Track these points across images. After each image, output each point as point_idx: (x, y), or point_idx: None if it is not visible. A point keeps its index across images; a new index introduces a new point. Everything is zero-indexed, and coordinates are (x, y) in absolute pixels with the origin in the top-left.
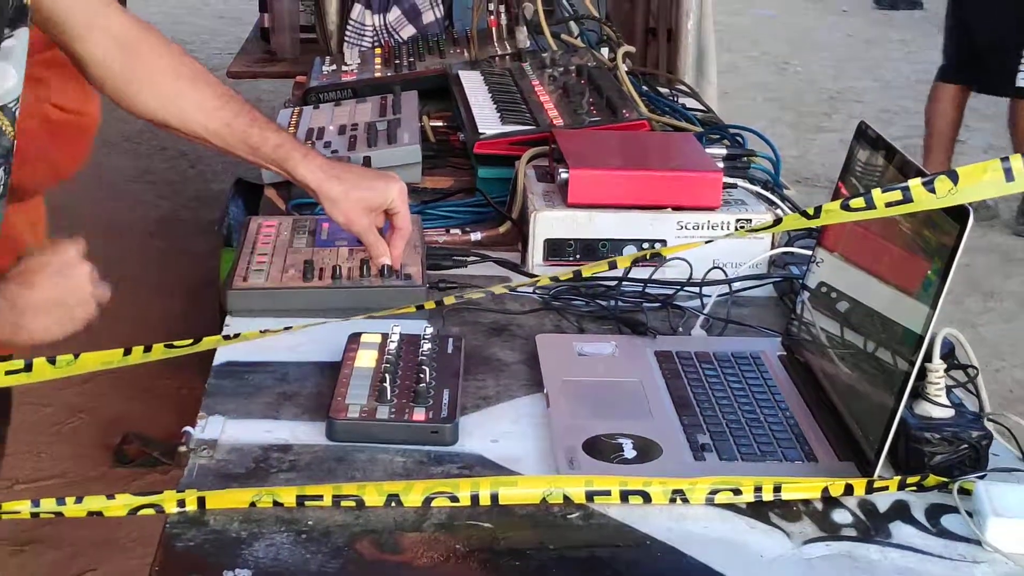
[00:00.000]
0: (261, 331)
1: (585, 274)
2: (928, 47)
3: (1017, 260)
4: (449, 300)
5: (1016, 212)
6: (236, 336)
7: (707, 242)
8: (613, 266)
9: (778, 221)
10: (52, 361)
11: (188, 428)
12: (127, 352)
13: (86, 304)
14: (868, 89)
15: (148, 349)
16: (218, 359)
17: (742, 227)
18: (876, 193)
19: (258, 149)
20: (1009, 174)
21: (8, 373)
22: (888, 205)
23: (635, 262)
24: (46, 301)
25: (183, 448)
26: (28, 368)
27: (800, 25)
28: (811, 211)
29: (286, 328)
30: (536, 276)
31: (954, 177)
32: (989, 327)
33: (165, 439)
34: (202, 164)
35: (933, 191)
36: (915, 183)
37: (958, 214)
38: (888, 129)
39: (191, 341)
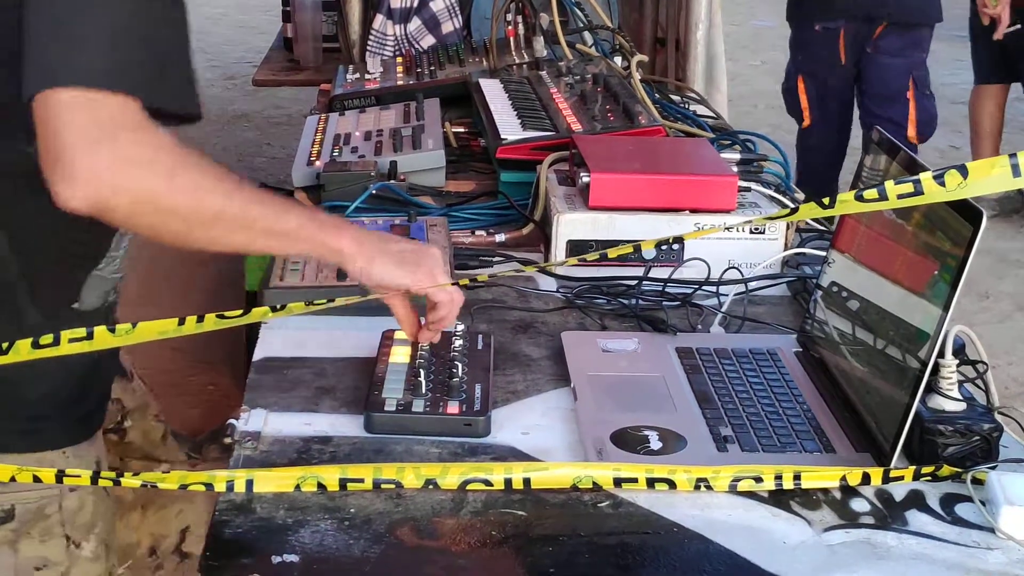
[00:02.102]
0: (306, 303)
1: (611, 255)
2: None
3: (1011, 262)
4: (483, 277)
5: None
6: (283, 307)
7: (727, 228)
8: (638, 249)
9: (795, 210)
10: (112, 330)
11: (232, 420)
12: (181, 322)
13: (429, 267)
14: None
15: (201, 319)
16: (257, 354)
17: (757, 227)
18: (889, 185)
19: None
20: (1016, 169)
21: (71, 341)
22: (900, 197)
23: (656, 257)
24: (389, 245)
25: (228, 440)
26: (90, 337)
27: None
28: (826, 201)
29: (330, 301)
30: (564, 261)
31: (964, 171)
32: (984, 327)
33: (192, 434)
34: None
35: (943, 184)
36: (926, 176)
37: (972, 215)
38: None
39: (240, 312)
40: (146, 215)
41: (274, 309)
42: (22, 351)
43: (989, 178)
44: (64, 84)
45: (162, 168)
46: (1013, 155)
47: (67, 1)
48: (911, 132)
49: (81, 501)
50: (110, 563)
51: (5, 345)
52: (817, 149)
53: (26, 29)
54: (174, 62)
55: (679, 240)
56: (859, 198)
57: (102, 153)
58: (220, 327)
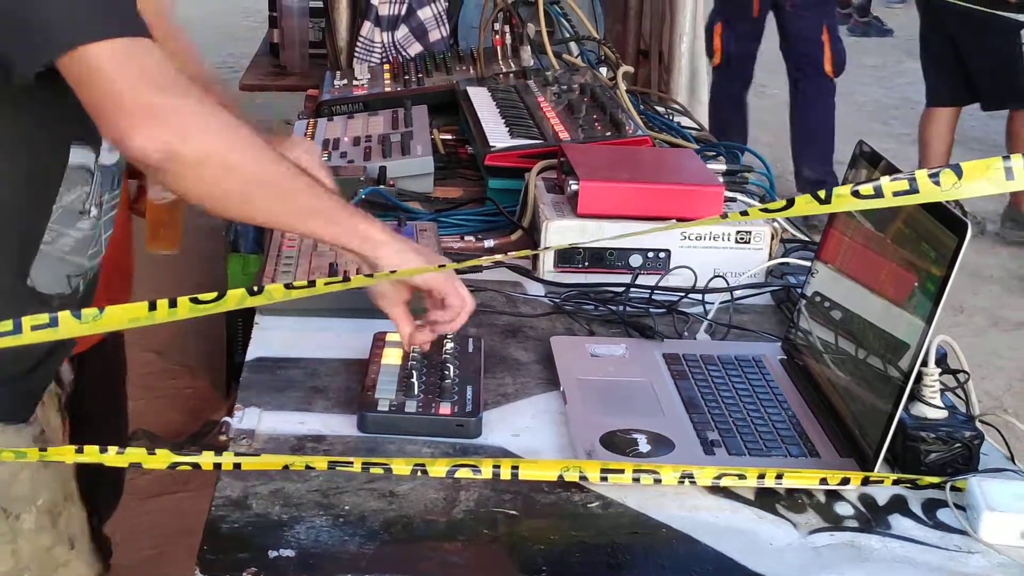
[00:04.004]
0: (285, 285)
1: (609, 240)
2: (898, 73)
3: (985, 277)
4: (474, 262)
5: (1001, 218)
6: (261, 291)
7: (724, 216)
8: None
9: (791, 203)
10: (77, 316)
11: (227, 418)
12: (152, 307)
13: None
14: (840, 113)
15: (173, 304)
16: (250, 354)
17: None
18: (885, 182)
19: None
20: (1009, 172)
21: (34, 328)
22: (896, 194)
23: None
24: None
25: (223, 437)
26: (54, 323)
27: (775, 51)
28: (823, 195)
29: (310, 283)
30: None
31: (959, 171)
32: (959, 341)
33: (171, 436)
34: None
35: (938, 184)
36: (921, 174)
37: (957, 227)
38: None
39: (216, 296)
40: (210, 168)
41: (252, 293)
42: None
43: (983, 179)
44: (104, 37)
45: (224, 123)
46: (1007, 157)
47: None
48: (828, 68)
49: (12, 473)
50: (58, 532)
51: None
52: (724, 85)
53: None
54: None
55: (683, 220)
56: (855, 193)
57: (167, 99)
58: (195, 314)
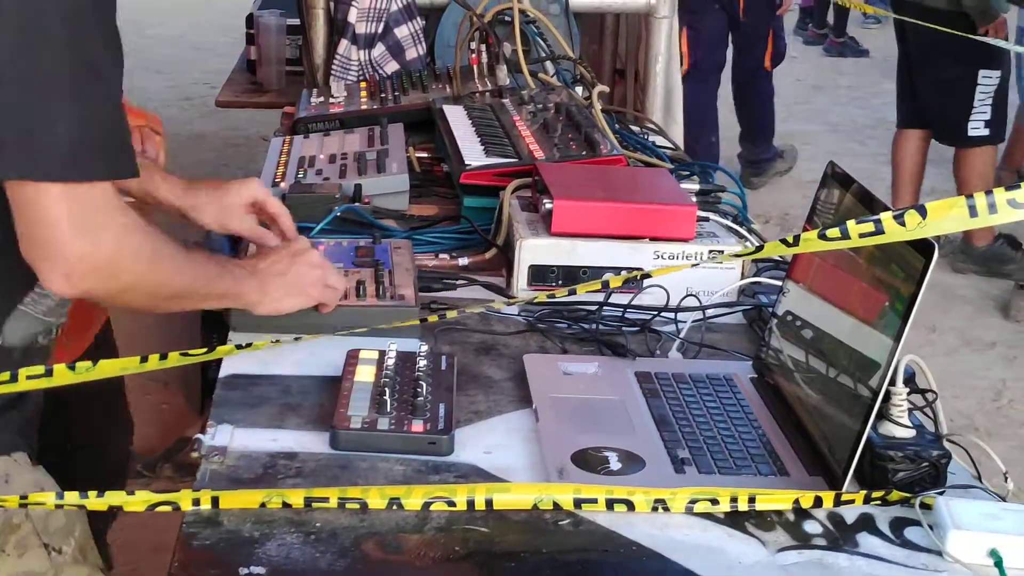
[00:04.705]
0: (272, 340)
1: (580, 291)
2: (874, 93)
3: (956, 297)
4: (452, 314)
5: (956, 251)
6: (248, 345)
7: (694, 265)
8: (606, 285)
9: (760, 247)
10: (72, 367)
11: (199, 435)
12: (144, 359)
13: (317, 284)
14: (816, 132)
15: (164, 357)
16: (224, 371)
17: (715, 257)
18: (851, 224)
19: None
20: (972, 210)
21: (30, 378)
22: (862, 236)
23: (618, 287)
24: (283, 278)
25: (195, 454)
26: (49, 374)
27: None
28: (791, 239)
29: (296, 338)
30: (534, 297)
31: (923, 211)
32: (930, 360)
33: (146, 453)
34: None
35: (903, 224)
36: (886, 216)
37: (924, 248)
38: None
39: (205, 350)
40: (126, 295)
41: (239, 347)
42: None
43: (947, 218)
44: (45, 179)
45: (146, 255)
46: (970, 196)
47: (35, 87)
48: (767, 63)
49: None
50: (90, 566)
51: None
52: (698, 89)
53: None
54: (123, 130)
55: (647, 276)
56: (822, 236)
57: (97, 245)
58: (184, 363)
